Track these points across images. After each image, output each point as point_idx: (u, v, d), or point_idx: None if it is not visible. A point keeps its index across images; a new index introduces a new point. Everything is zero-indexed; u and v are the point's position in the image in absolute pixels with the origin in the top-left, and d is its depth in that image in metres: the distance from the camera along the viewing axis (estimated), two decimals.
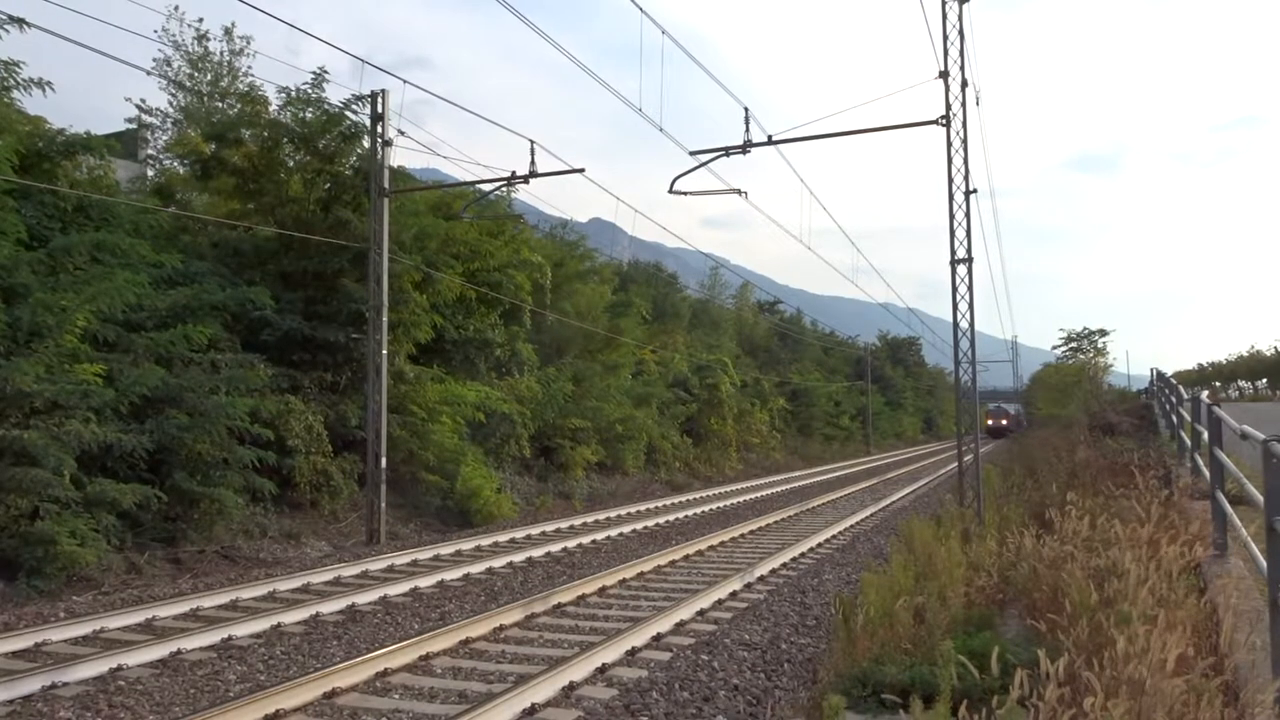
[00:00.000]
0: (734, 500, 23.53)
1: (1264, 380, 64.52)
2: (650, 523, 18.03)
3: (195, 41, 24.00)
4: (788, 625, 9.04)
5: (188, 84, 23.86)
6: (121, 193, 17.53)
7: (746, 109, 15.24)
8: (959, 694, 4.31)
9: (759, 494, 25.62)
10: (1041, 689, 3.63)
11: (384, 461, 15.75)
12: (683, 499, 23.66)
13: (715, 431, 34.88)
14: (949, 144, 15.40)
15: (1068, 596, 5.36)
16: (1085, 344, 34.98)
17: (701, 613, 9.57)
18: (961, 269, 15.65)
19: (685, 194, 15.99)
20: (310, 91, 17.18)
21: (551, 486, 22.43)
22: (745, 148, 15.28)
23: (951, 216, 15.48)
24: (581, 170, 15.84)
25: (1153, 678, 3.63)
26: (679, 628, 8.92)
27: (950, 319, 15.99)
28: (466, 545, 14.45)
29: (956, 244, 15.58)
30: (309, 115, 17.33)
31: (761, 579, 11.72)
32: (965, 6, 15.60)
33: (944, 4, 15.62)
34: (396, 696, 6.76)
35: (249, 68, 24.29)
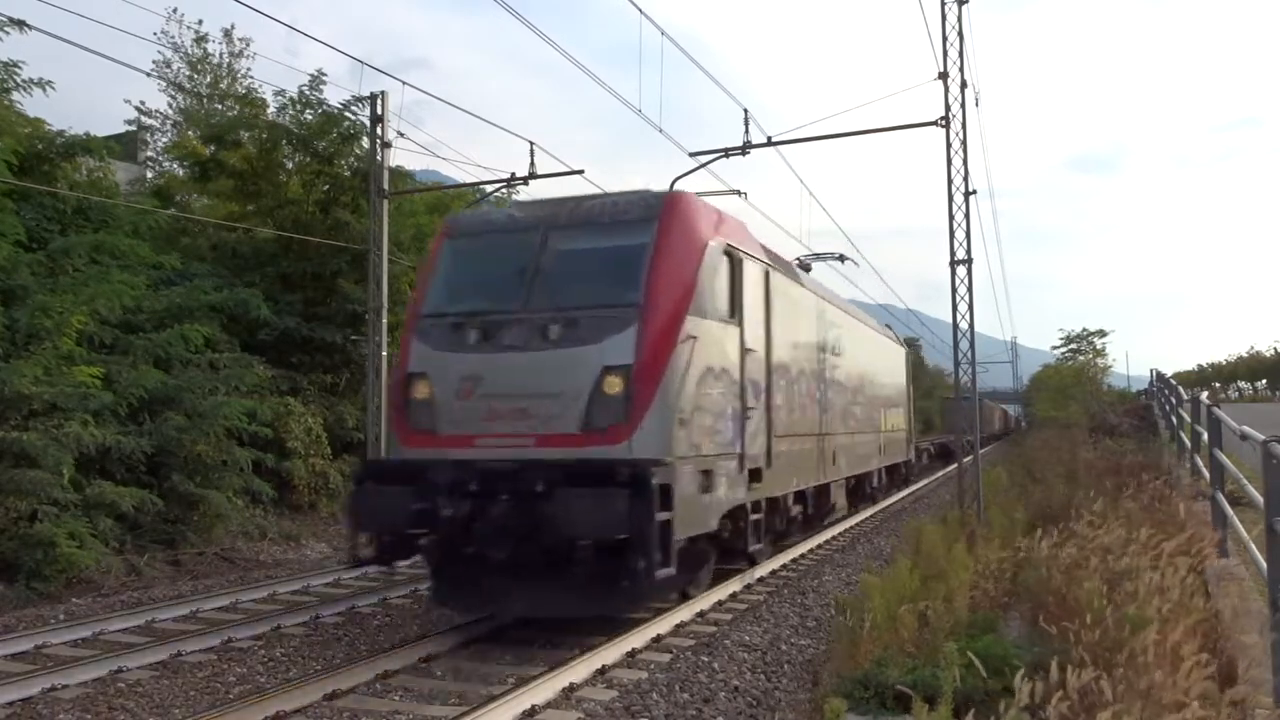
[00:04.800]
0: None
1: (1264, 381, 64.63)
2: None
3: (194, 44, 24.07)
4: (788, 626, 9.02)
5: (187, 85, 23.89)
6: (121, 195, 17.52)
7: (746, 110, 15.24)
8: (962, 696, 4.30)
9: None
10: (1048, 693, 3.62)
11: None
12: None
13: None
14: (948, 145, 15.38)
15: (1076, 600, 5.34)
16: (1085, 345, 34.96)
17: (701, 614, 9.54)
18: (961, 270, 15.64)
19: None
20: (309, 93, 17.20)
21: None
22: (744, 149, 15.26)
23: (951, 217, 15.47)
24: (581, 171, 15.85)
25: (1163, 685, 3.62)
26: (679, 629, 8.90)
27: (950, 320, 15.98)
28: None
29: (956, 245, 15.57)
30: (308, 116, 17.33)
31: (761, 580, 11.68)
32: (965, 8, 15.60)
33: (943, 5, 15.61)
34: (397, 698, 6.74)
35: (248, 69, 24.37)
